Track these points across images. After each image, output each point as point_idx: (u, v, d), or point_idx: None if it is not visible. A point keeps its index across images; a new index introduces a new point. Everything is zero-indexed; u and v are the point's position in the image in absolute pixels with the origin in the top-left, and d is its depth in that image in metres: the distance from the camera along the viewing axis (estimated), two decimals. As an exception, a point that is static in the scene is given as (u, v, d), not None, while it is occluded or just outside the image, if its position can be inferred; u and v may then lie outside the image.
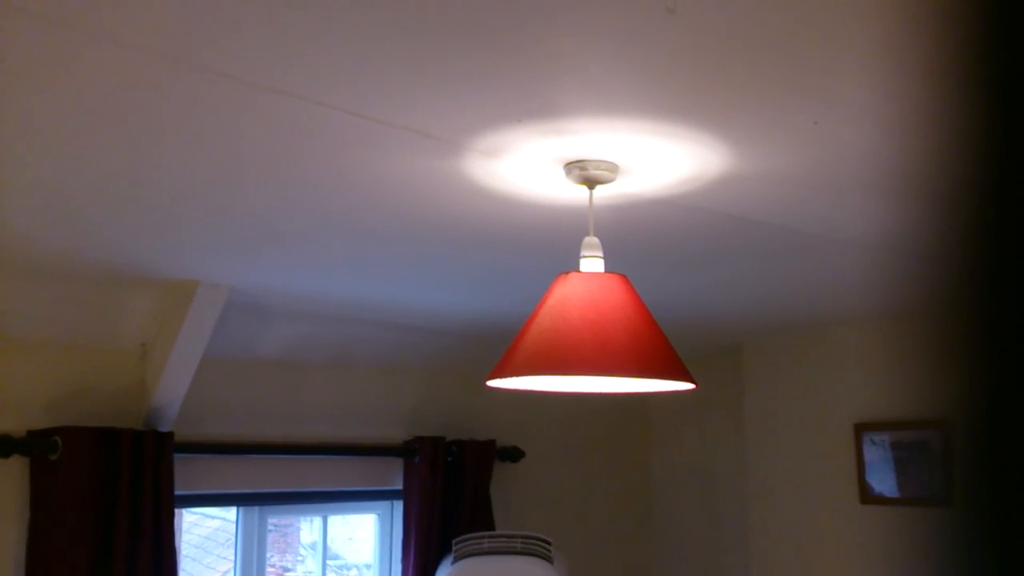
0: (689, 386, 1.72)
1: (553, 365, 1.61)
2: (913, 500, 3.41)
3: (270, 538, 4.43)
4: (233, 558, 3.43)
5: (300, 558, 4.22)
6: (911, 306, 3.24)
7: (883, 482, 3.51)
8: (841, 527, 3.60)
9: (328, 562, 4.02)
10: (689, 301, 3.05)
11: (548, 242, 2.15)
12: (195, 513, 4.54)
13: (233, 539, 3.45)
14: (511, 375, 1.64)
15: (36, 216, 2.16)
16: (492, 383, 1.72)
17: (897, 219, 2.10)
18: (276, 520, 4.35)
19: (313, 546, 3.84)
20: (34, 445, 2.70)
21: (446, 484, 3.57)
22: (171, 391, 2.89)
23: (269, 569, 4.16)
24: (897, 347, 3.48)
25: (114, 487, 2.76)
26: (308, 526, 3.98)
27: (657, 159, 1.69)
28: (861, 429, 3.55)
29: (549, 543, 3.37)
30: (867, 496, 3.53)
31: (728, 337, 3.89)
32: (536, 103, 1.45)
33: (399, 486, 3.60)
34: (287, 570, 4.13)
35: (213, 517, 3.95)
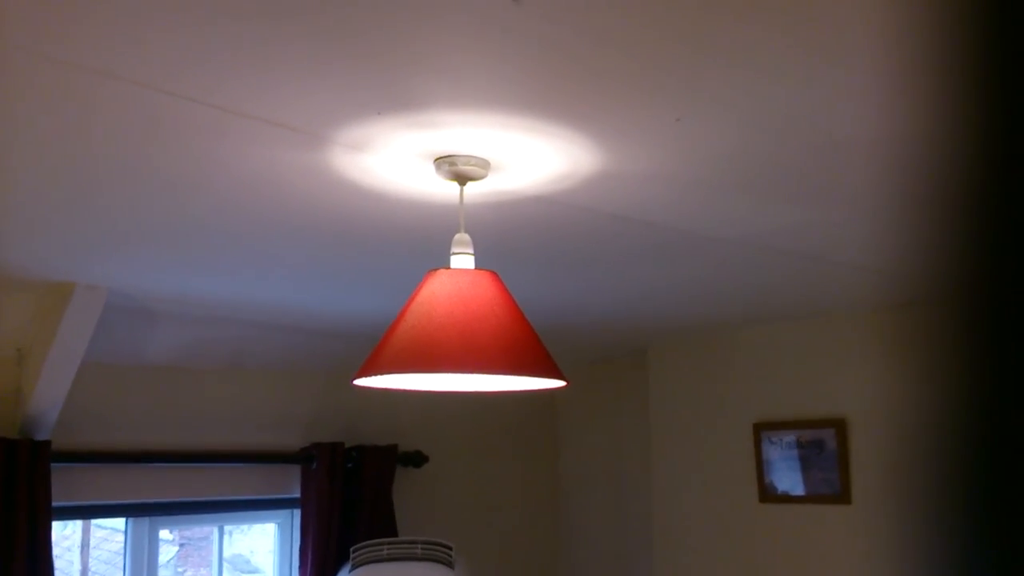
0: (559, 383, 1.70)
1: (419, 363, 1.57)
2: (815, 498, 3.46)
3: (182, 552, 4.29)
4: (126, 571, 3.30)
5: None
6: (808, 305, 3.30)
7: (786, 480, 3.56)
8: (741, 526, 3.65)
9: (244, 575, 3.91)
10: (582, 303, 3.05)
11: (424, 240, 2.12)
12: (105, 528, 4.38)
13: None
14: (377, 373, 1.60)
15: None
16: (359, 382, 1.68)
17: (783, 217, 2.12)
18: (188, 533, 4.22)
19: (232, 560, 3.73)
20: None
21: (345, 491, 3.51)
22: (48, 398, 2.77)
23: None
24: (797, 347, 3.54)
25: (-15, 499, 2.63)
26: (227, 539, 3.85)
27: (528, 156, 1.67)
28: (760, 428, 3.60)
29: (451, 548, 3.33)
30: (766, 495, 3.58)
31: (633, 340, 3.91)
32: (395, 94, 1.42)
33: (298, 494, 3.52)
34: (202, 584, 4.00)
35: (121, 531, 3.80)
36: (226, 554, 3.60)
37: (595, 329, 3.53)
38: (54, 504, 2.79)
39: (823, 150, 1.67)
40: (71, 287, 2.59)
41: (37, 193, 1.86)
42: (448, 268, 1.68)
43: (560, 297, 2.88)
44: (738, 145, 1.65)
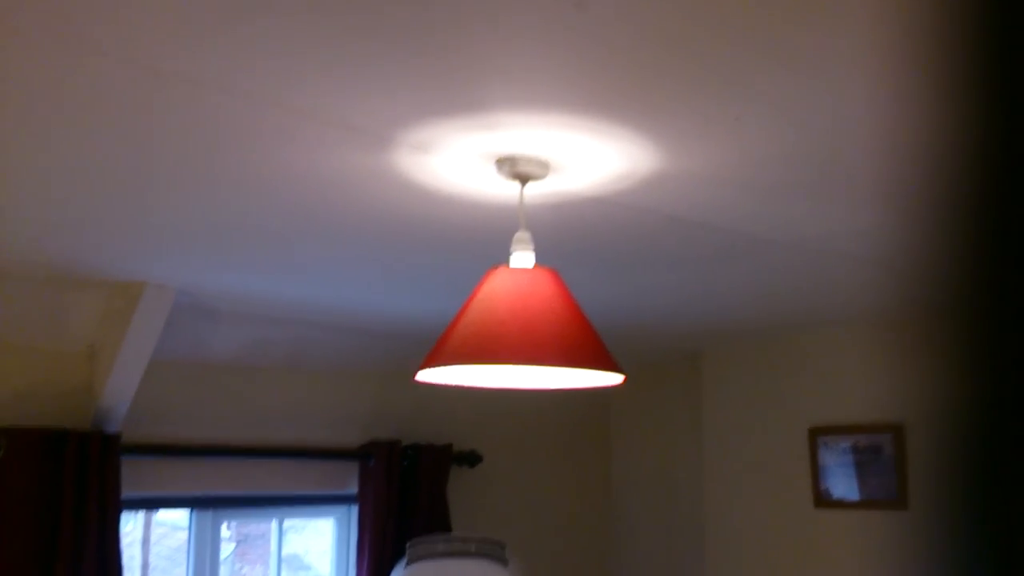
0: (618, 378, 1.73)
1: (480, 355, 1.62)
2: (871, 503, 3.43)
3: (239, 549, 4.40)
4: (187, 565, 3.40)
5: (271, 570, 4.18)
6: (865, 309, 3.27)
7: (841, 486, 3.53)
8: (795, 531, 3.63)
9: (300, 573, 4.00)
10: (638, 305, 3.07)
11: (484, 241, 2.16)
12: (165, 524, 4.50)
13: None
14: (439, 366, 1.65)
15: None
16: (421, 376, 1.73)
17: (843, 222, 2.13)
18: (245, 531, 4.31)
19: (286, 559, 3.80)
20: (-22, 445, 2.68)
21: (402, 489, 3.57)
22: (119, 393, 2.87)
23: (240, 581, 4.12)
24: (854, 351, 3.51)
25: (59, 488, 2.74)
26: (282, 538, 3.92)
27: (587, 156, 1.71)
28: (816, 434, 3.58)
29: (504, 546, 3.37)
30: (821, 500, 3.55)
31: (687, 344, 3.92)
32: (459, 95, 1.46)
33: (356, 490, 3.59)
34: (259, 580, 4.10)
35: (182, 528, 3.91)
36: (288, 554, 3.68)
37: (650, 332, 3.54)
38: (122, 495, 2.89)
39: (881, 154, 1.67)
40: (141, 286, 2.69)
41: (109, 194, 1.94)
42: (508, 265, 1.73)
43: (616, 299, 2.91)
44: (795, 147, 1.66)
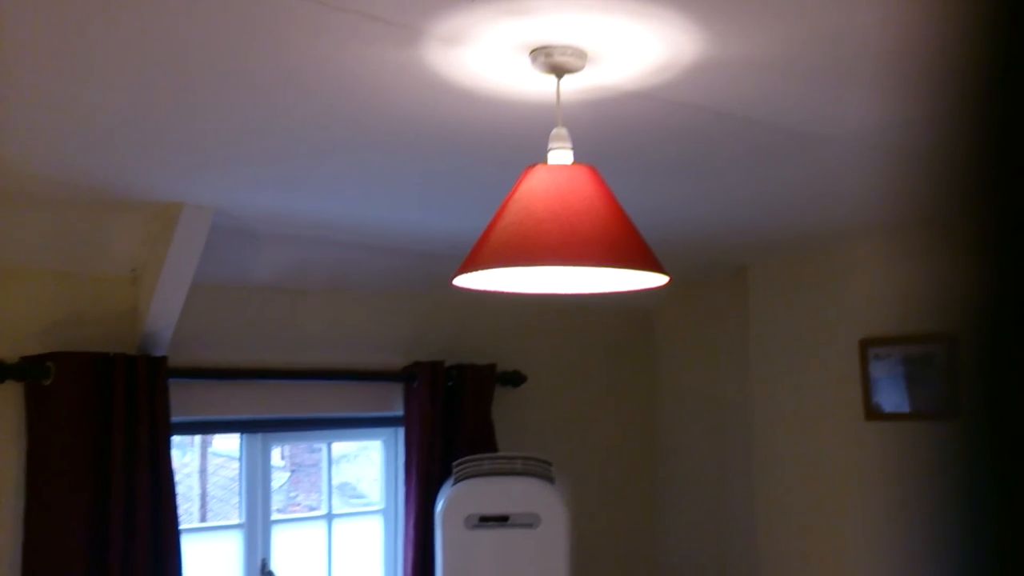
0: (662, 279, 1.67)
1: (518, 257, 1.57)
2: (921, 415, 3.36)
3: (293, 478, 4.48)
4: (240, 489, 3.45)
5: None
6: (916, 213, 3.15)
7: (891, 398, 3.47)
8: (845, 445, 3.57)
9: (352, 500, 4.05)
10: (681, 215, 2.98)
11: (519, 144, 2.09)
12: (220, 455, 4.59)
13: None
14: (475, 269, 1.60)
15: (19, 141, 2.14)
16: (458, 281, 1.69)
17: (895, 113, 2.02)
18: (298, 460, 4.38)
19: (339, 488, 3.85)
20: (27, 371, 2.71)
21: (446, 409, 3.57)
22: (163, 316, 2.88)
23: (293, 508, 4.21)
24: (904, 259, 3.40)
25: (109, 411, 2.78)
26: (335, 468, 3.95)
27: (627, 44, 1.62)
28: (867, 345, 3.50)
29: (550, 463, 3.37)
30: (871, 412, 3.49)
31: (732, 256, 3.83)
32: (489, -21, 1.39)
33: (402, 412, 3.60)
34: (312, 508, 4.17)
35: (238, 459, 3.99)
36: (334, 481, 3.72)
37: (693, 244, 3.46)
38: (171, 419, 2.93)
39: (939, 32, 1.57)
40: (179, 207, 2.67)
41: (138, 108, 1.90)
42: (545, 163, 1.66)
43: (657, 208, 2.83)
44: (853, 25, 1.56)
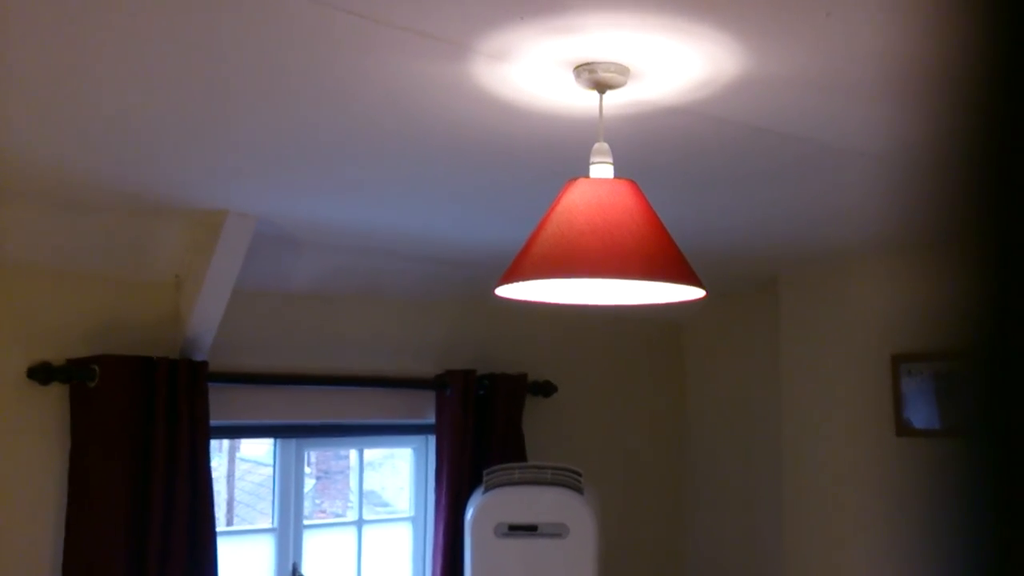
0: (699, 292, 1.70)
1: (560, 268, 1.60)
2: (953, 431, 3.35)
3: (319, 484, 4.53)
4: (273, 494, 3.50)
5: (349, 504, 4.30)
6: (942, 231, 3.15)
7: (922, 413, 3.46)
8: (875, 460, 3.57)
9: (378, 508, 4.09)
10: (716, 227, 3.01)
11: (561, 158, 2.13)
12: (248, 461, 4.65)
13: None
14: (519, 280, 1.64)
15: (67, 149, 2.20)
16: (500, 291, 1.73)
17: (927, 130, 2.04)
18: (325, 467, 4.43)
19: (365, 495, 3.90)
20: (73, 373, 2.78)
21: (478, 418, 3.60)
22: (205, 321, 2.95)
23: (319, 515, 4.26)
24: (933, 275, 3.39)
25: (151, 414, 2.84)
26: (355, 475, 4.00)
27: (669, 61, 1.66)
28: (899, 360, 3.50)
29: (580, 474, 3.39)
30: (902, 428, 3.48)
31: (764, 269, 3.85)
32: (537, -2, 1.43)
33: (433, 420, 3.64)
34: (338, 516, 4.21)
35: (265, 465, 4.05)
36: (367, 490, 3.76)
37: (726, 257, 3.48)
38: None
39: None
40: (223, 215, 2.73)
41: (185, 114, 1.96)
42: (587, 177, 1.70)
43: (694, 221, 2.86)
44: (891, 44, 1.59)
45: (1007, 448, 0.54)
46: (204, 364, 2.95)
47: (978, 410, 0.58)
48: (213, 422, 3.02)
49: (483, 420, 3.63)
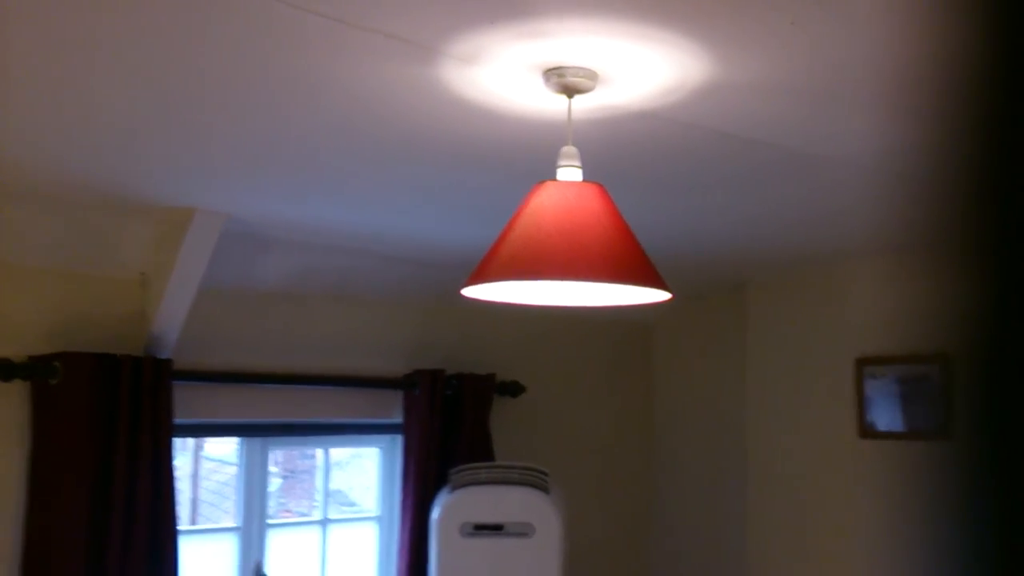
0: (664, 295, 1.72)
1: (527, 270, 1.61)
2: (916, 434, 3.41)
3: (285, 484, 4.50)
4: (237, 494, 3.48)
5: (315, 504, 4.28)
6: (912, 235, 3.21)
7: (886, 417, 3.51)
8: (839, 462, 3.62)
9: (344, 508, 4.08)
10: (684, 231, 3.03)
11: (529, 160, 2.14)
12: (213, 460, 4.61)
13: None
14: (486, 281, 1.65)
15: (33, 142, 2.18)
16: (467, 291, 1.73)
17: (891, 136, 2.07)
18: (291, 466, 4.40)
19: (331, 494, 3.88)
20: (34, 370, 2.75)
21: (445, 417, 3.60)
22: (170, 319, 2.92)
23: (285, 515, 4.24)
24: (901, 280, 3.45)
25: (114, 412, 2.81)
26: (326, 472, 3.98)
27: (637, 66, 1.67)
28: (862, 364, 3.55)
29: (546, 474, 3.40)
30: (866, 430, 3.53)
31: (731, 273, 3.88)
32: (507, 1, 1.43)
33: (400, 419, 3.64)
34: (303, 515, 4.19)
35: (231, 464, 4.01)
36: (334, 489, 3.75)
37: (694, 260, 3.51)
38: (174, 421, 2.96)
39: (944, 62, 1.62)
40: (191, 212, 2.71)
41: (155, 112, 1.95)
42: (555, 180, 1.71)
43: (662, 224, 2.88)
44: (854, 52, 1.61)
45: (1007, 448, 0.55)
46: (169, 362, 2.92)
47: (977, 411, 0.59)
48: (178, 420, 3.00)
49: (451, 420, 3.63)
